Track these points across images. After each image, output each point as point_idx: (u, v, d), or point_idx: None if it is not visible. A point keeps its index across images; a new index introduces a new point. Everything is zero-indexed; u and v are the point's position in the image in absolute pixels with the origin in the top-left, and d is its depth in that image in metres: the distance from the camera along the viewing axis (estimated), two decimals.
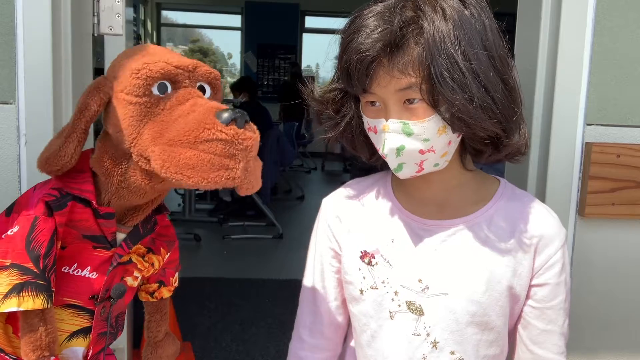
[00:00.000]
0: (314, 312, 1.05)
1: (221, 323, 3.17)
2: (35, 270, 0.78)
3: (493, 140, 0.88)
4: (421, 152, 0.86)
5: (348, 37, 0.87)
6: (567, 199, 1.36)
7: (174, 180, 0.74)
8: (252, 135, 0.76)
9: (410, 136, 0.85)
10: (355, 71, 0.86)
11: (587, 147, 1.34)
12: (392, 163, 0.88)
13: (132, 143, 0.79)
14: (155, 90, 0.79)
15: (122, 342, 1.40)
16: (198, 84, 0.83)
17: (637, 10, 1.33)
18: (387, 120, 0.86)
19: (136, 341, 1.65)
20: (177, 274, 1.06)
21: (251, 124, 0.77)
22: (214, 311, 3.31)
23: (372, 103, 0.89)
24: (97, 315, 0.90)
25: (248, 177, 0.76)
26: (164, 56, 0.82)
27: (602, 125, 1.36)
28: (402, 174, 0.89)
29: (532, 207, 0.97)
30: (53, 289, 0.80)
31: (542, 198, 1.36)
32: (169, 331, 1.09)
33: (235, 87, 6.07)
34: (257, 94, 6.08)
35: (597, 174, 1.33)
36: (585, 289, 1.37)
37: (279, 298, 3.45)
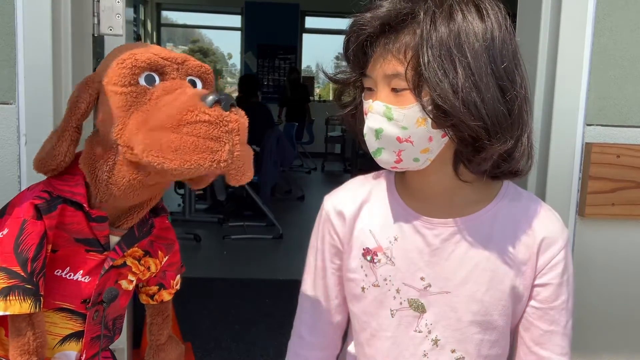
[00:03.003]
0: (314, 310, 1.05)
1: (221, 323, 3.17)
2: (22, 274, 0.76)
3: (479, 148, 0.86)
4: (398, 139, 0.86)
5: (358, 15, 0.90)
6: (567, 199, 1.36)
7: (156, 165, 0.72)
8: (237, 118, 0.74)
9: (390, 121, 0.86)
10: (351, 45, 0.90)
11: (587, 148, 1.34)
12: (372, 146, 0.89)
13: (118, 135, 0.77)
14: (142, 81, 0.78)
15: (122, 343, 1.40)
16: (188, 78, 0.82)
17: (637, 10, 1.33)
18: (373, 102, 0.88)
19: (136, 341, 1.65)
20: (178, 276, 1.04)
21: (238, 108, 0.76)
22: (214, 311, 3.31)
23: (370, 89, 0.91)
24: (89, 319, 0.88)
25: (236, 163, 0.74)
26: (153, 49, 0.81)
27: (602, 125, 1.36)
28: (381, 160, 0.90)
29: (535, 207, 0.97)
30: (41, 293, 0.78)
31: (542, 198, 1.36)
32: (172, 334, 1.06)
33: (251, 87, 6.02)
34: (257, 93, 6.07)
35: (597, 174, 1.33)
36: (585, 289, 1.37)
37: (279, 298, 3.45)
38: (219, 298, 3.51)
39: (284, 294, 3.45)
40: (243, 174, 0.76)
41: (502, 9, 0.88)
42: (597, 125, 1.35)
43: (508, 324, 0.96)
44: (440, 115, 0.83)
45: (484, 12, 0.85)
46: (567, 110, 1.34)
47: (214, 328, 3.10)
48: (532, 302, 0.95)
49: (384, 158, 0.89)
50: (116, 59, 0.79)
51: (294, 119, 7.89)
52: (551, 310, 0.95)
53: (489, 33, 0.84)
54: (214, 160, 0.71)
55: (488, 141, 0.84)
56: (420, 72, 0.83)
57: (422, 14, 0.83)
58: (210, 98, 0.73)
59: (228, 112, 0.73)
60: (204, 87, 0.83)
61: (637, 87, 1.35)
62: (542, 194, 1.37)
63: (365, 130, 0.89)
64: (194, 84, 0.82)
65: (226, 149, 0.72)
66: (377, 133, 0.87)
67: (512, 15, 0.97)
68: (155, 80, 0.78)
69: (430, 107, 0.83)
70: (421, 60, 0.82)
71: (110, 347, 0.99)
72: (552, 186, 1.36)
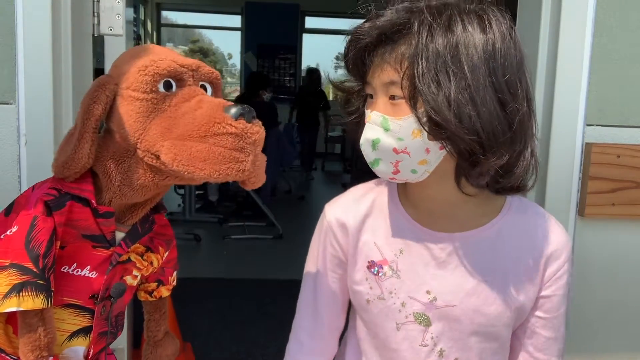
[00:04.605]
0: (314, 316, 1.04)
1: (221, 323, 3.17)
2: (34, 269, 0.77)
3: (474, 162, 0.84)
4: (395, 150, 0.85)
5: (357, 25, 0.89)
6: (567, 199, 1.36)
7: (185, 173, 0.76)
8: (259, 129, 0.78)
9: (387, 132, 0.85)
10: (350, 54, 0.90)
11: (587, 148, 1.34)
12: (369, 157, 0.88)
13: (138, 139, 0.80)
14: (161, 88, 0.80)
15: (122, 342, 1.40)
16: (200, 83, 0.85)
17: (637, 10, 1.33)
18: (371, 112, 0.88)
19: (136, 341, 1.65)
20: (175, 272, 1.06)
21: (258, 120, 0.80)
22: (214, 311, 3.32)
23: (371, 96, 0.91)
24: (98, 314, 0.90)
25: (255, 171, 0.79)
26: (169, 55, 0.84)
27: (602, 125, 1.36)
28: (379, 171, 0.89)
29: (541, 220, 0.97)
30: (52, 289, 0.79)
31: (542, 198, 1.36)
32: (168, 331, 1.09)
33: (253, 85, 5.98)
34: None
35: (597, 174, 1.33)
36: (585, 289, 1.37)
37: (279, 298, 3.45)
38: (219, 298, 3.51)
39: (284, 294, 3.44)
40: (259, 180, 0.82)
41: (507, 19, 0.85)
42: (597, 125, 1.35)
43: (510, 333, 0.97)
44: (435, 128, 0.81)
45: (487, 22, 0.83)
46: (567, 110, 1.34)
47: (214, 328, 3.10)
48: (536, 313, 0.96)
49: (381, 169, 0.88)
50: (136, 65, 0.81)
51: (306, 125, 7.62)
52: (555, 319, 0.97)
53: (490, 45, 0.82)
54: (240, 170, 0.76)
55: (483, 155, 0.82)
56: (415, 83, 0.81)
57: (416, 24, 0.82)
58: (235, 111, 0.77)
59: (251, 124, 0.77)
60: (213, 92, 0.87)
61: (637, 87, 1.35)
62: (542, 194, 1.37)
63: (361, 141, 0.88)
64: (204, 89, 0.85)
65: (250, 160, 0.77)
66: (374, 144, 0.86)
67: (512, 15, 0.97)
68: (172, 86, 0.81)
69: (425, 119, 0.82)
70: (415, 71, 0.81)
71: (110, 346, 1.00)
72: (552, 186, 1.36)
